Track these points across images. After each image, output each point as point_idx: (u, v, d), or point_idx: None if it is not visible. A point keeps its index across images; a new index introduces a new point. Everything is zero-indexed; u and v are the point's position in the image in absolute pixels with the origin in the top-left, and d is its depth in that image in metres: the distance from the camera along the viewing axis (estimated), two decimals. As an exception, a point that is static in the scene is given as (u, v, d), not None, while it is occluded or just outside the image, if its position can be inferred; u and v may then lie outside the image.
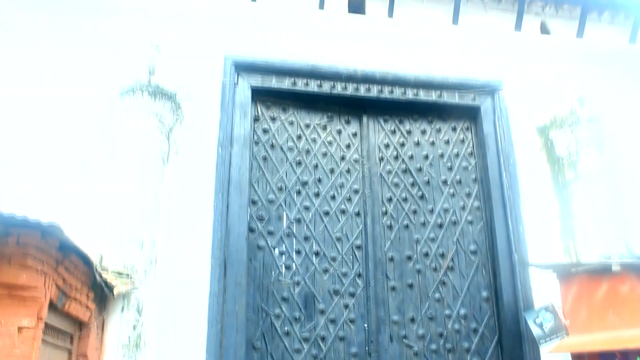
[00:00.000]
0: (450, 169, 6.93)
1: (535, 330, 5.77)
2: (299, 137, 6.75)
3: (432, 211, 6.70)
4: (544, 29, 8.09)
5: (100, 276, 4.74)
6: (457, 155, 7.02)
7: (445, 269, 6.48)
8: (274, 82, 6.70)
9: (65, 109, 6.08)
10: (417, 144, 7.00)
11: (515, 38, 7.66)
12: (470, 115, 7.15)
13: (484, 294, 6.43)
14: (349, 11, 7.47)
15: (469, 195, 6.84)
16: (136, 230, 5.48)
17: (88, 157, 5.89)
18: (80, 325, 4.79)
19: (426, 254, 6.51)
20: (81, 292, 4.50)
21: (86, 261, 4.38)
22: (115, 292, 5.06)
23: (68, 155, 5.85)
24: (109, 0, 6.69)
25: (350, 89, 6.83)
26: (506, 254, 6.36)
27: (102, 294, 5.02)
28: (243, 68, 6.63)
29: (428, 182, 6.83)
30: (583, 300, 5.56)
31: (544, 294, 6.01)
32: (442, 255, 6.54)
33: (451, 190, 6.82)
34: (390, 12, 7.43)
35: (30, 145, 5.85)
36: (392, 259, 6.41)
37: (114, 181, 5.69)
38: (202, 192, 5.99)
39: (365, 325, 6.13)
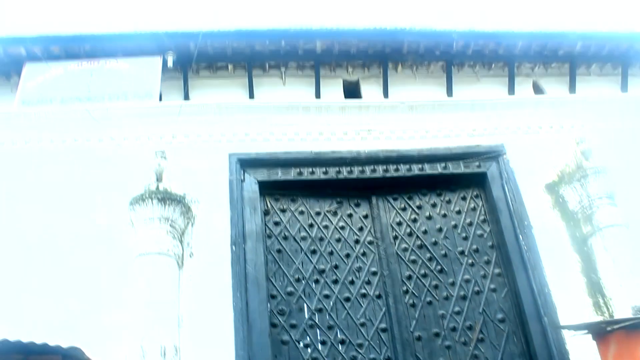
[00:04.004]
0: (465, 238, 6.87)
1: (581, 396, 5.52)
2: (311, 226, 6.76)
3: (453, 284, 6.58)
4: (537, 88, 8.26)
5: (124, 394, 4.64)
6: (471, 224, 6.98)
7: (475, 341, 6.29)
8: (280, 174, 6.80)
9: (76, 225, 6.20)
10: (429, 218, 6.99)
11: (510, 101, 7.81)
12: (478, 182, 7.17)
13: (520, 363, 6.20)
14: (345, 97, 7.68)
15: (488, 262, 6.74)
16: (157, 339, 5.40)
17: (102, 270, 5.92)
18: None
19: (454, 329, 6.34)
20: (106, 413, 4.39)
21: (109, 380, 4.30)
22: (140, 408, 4.94)
23: (81, 272, 5.89)
24: (113, 112, 6.93)
25: (355, 172, 6.92)
26: (535, 318, 6.17)
27: (128, 412, 4.90)
28: (248, 164, 6.76)
29: (445, 255, 6.75)
30: (625, 358, 5.34)
31: (581, 356, 5.79)
32: (470, 328, 6.36)
33: (470, 260, 6.73)
34: (385, 93, 7.64)
35: (43, 267, 5.91)
36: (419, 338, 6.24)
37: (131, 292, 5.67)
38: (220, 292, 5.95)
39: (401, 411, 5.90)
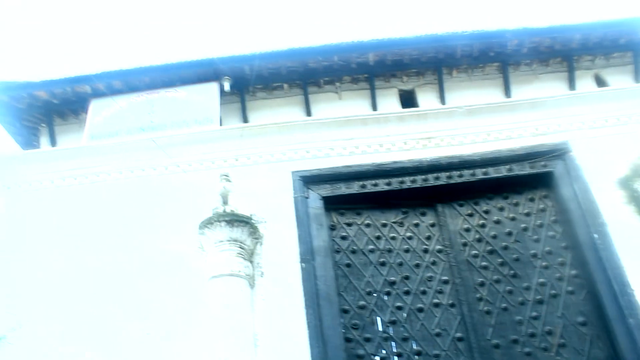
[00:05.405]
0: (537, 241, 6.69)
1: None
2: (378, 238, 6.73)
3: (528, 288, 6.40)
4: (599, 81, 8.00)
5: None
6: (541, 225, 6.78)
7: (556, 347, 6.09)
8: (343, 189, 6.82)
9: (148, 253, 6.38)
10: (498, 222, 6.84)
11: (572, 96, 7.59)
12: (545, 182, 6.98)
13: (606, 368, 5.95)
14: (402, 106, 7.66)
15: (563, 264, 6.52)
16: None
17: (175, 296, 6.05)
18: None
19: (532, 335, 6.16)
20: None
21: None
22: None
23: (155, 298, 6.05)
24: (176, 139, 7.11)
25: (419, 181, 6.86)
26: (619, 320, 5.90)
27: None
28: (311, 180, 6.80)
29: (517, 259, 6.58)
30: None
31: (673, 357, 5.53)
32: (550, 333, 6.15)
33: (543, 263, 6.53)
34: (442, 99, 7.57)
35: (118, 296, 6.11)
36: (497, 346, 6.08)
37: (206, 315, 5.77)
38: (292, 310, 5.98)
39: (484, 423, 5.77)
